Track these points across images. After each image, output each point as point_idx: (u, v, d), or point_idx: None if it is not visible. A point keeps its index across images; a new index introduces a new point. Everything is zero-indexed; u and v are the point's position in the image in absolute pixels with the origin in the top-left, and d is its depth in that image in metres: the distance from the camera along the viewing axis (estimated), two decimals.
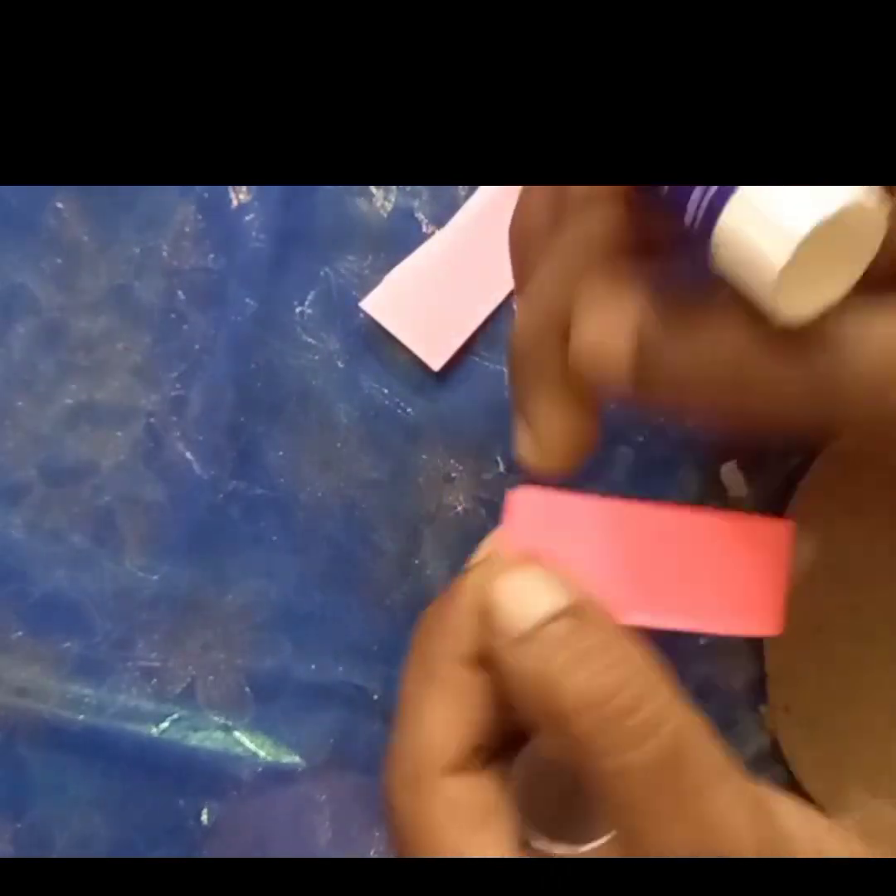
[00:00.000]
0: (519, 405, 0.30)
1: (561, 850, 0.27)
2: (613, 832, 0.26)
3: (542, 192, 0.30)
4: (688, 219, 0.24)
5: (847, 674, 0.37)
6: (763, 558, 0.29)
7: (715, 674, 0.40)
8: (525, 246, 0.31)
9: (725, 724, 0.40)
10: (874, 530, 0.37)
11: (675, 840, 0.24)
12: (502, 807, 0.27)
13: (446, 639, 0.27)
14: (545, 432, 0.29)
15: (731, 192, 0.23)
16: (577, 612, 0.26)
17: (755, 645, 0.40)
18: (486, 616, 0.26)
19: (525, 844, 0.27)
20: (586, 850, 0.27)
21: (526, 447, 0.29)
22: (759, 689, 0.40)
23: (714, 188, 0.24)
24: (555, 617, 0.26)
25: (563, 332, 0.28)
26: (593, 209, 0.28)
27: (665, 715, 0.25)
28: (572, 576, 0.27)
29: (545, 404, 0.29)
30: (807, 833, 0.26)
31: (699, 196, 0.24)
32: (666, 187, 0.25)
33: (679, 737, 0.25)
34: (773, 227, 0.23)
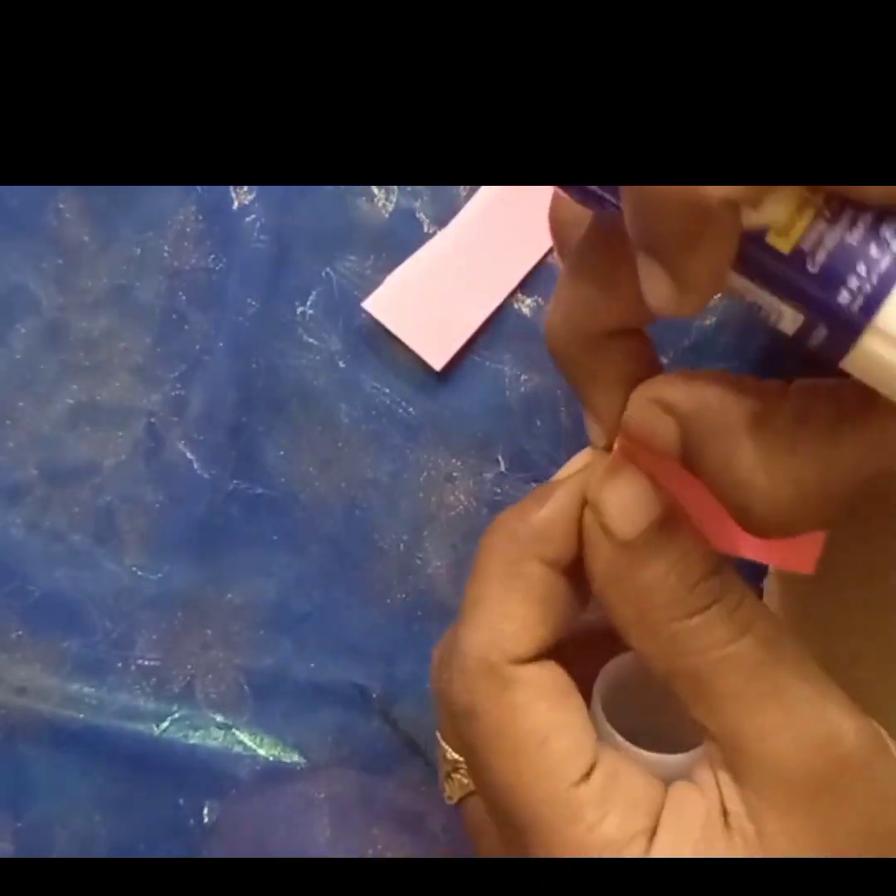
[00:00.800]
0: (580, 398, 0.30)
1: (652, 756, 0.28)
2: (700, 746, 0.27)
3: None
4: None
5: (850, 670, 0.37)
6: None
7: None
8: (561, 222, 0.31)
9: None
10: (874, 528, 0.37)
11: (770, 724, 0.26)
12: (571, 688, 0.28)
13: (535, 541, 0.28)
14: (608, 422, 0.29)
15: (851, 340, 0.23)
16: (671, 521, 0.27)
17: None
18: (592, 519, 0.28)
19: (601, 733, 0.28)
20: (680, 758, 0.28)
21: (596, 436, 0.30)
22: None
23: (824, 331, 0.23)
24: (657, 523, 0.27)
25: (602, 331, 0.28)
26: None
27: (755, 615, 0.26)
28: (665, 489, 0.28)
29: (606, 401, 0.29)
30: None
31: (804, 330, 0.24)
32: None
33: (770, 635, 0.26)
34: None
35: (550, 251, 0.40)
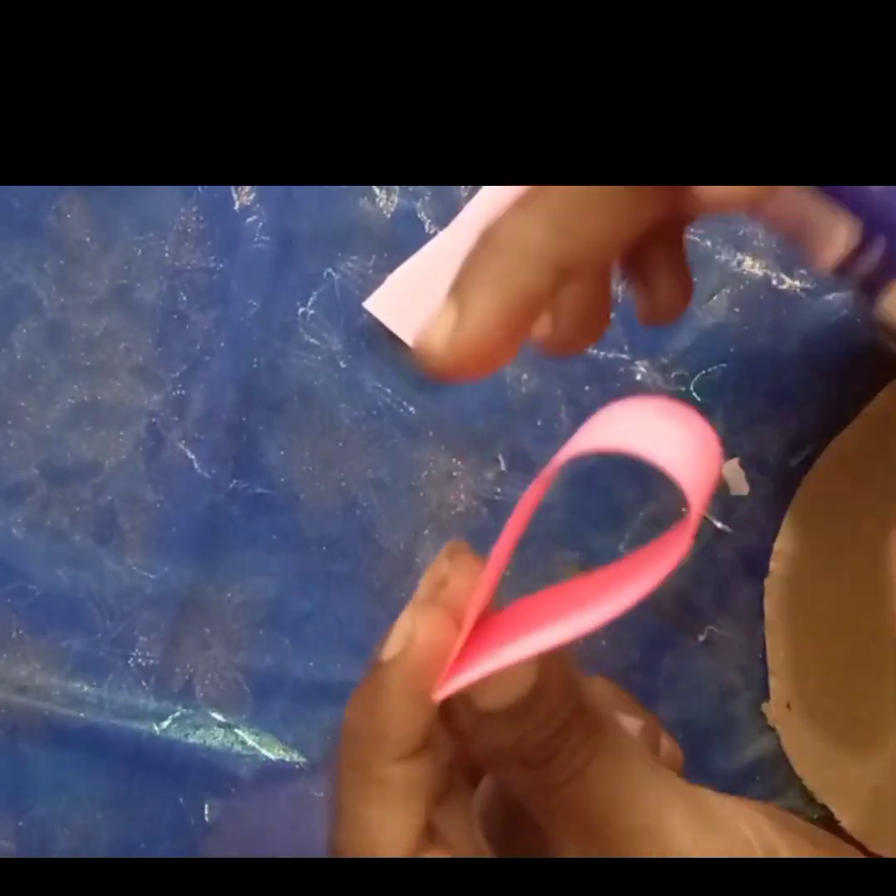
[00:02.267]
0: (463, 283, 0.28)
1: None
2: None
3: None
4: (833, 258, 0.23)
5: (849, 670, 0.37)
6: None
7: (716, 669, 0.40)
8: None
9: (727, 720, 0.40)
10: (875, 529, 0.37)
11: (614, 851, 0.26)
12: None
13: (377, 743, 0.27)
14: (471, 317, 0.27)
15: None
16: (541, 685, 0.26)
17: (758, 641, 0.40)
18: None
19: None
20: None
21: (443, 326, 0.28)
22: (761, 686, 0.40)
23: (884, 243, 0.22)
24: (527, 694, 0.26)
25: (552, 252, 0.27)
26: None
27: (596, 747, 0.26)
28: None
29: (488, 299, 0.27)
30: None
31: (861, 243, 0.22)
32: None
33: (613, 760, 0.26)
34: None
35: None
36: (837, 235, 0.23)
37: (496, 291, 0.27)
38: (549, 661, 0.26)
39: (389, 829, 0.27)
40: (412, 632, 0.26)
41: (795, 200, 0.23)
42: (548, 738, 0.26)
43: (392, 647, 0.26)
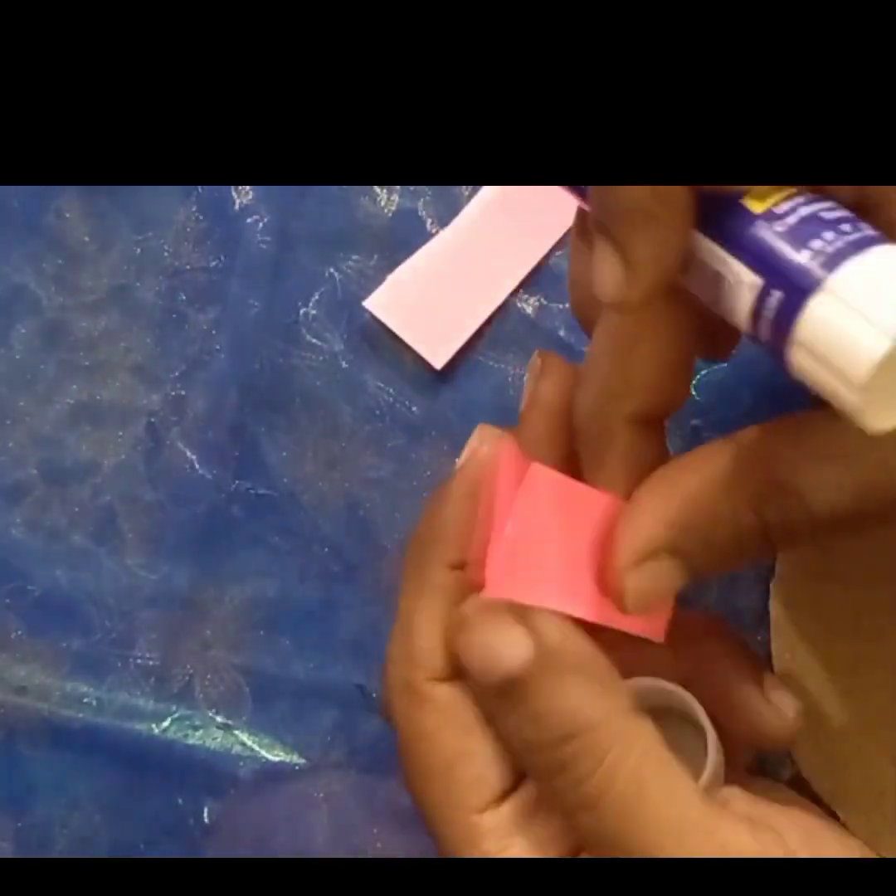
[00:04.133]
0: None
1: None
2: None
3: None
4: (744, 320, 0.23)
5: (853, 672, 0.37)
6: None
7: None
8: (583, 302, 0.30)
9: None
10: (882, 531, 0.37)
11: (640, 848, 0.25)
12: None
13: (436, 545, 0.28)
14: None
15: (805, 300, 0.22)
16: (538, 672, 0.26)
17: (759, 644, 0.40)
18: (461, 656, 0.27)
19: None
20: None
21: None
22: (773, 673, 0.40)
23: (779, 295, 0.23)
24: (510, 681, 0.25)
25: (622, 414, 0.28)
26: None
27: (607, 787, 0.25)
28: (542, 611, 0.27)
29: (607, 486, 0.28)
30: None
31: (754, 315, 0.23)
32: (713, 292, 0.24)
33: (624, 808, 0.25)
34: (839, 373, 0.22)
35: (553, 250, 0.41)
36: (744, 282, 0.23)
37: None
38: (555, 652, 0.25)
39: (431, 637, 0.27)
40: (477, 447, 0.29)
41: (707, 254, 0.24)
42: (548, 744, 0.25)
43: (461, 459, 0.29)
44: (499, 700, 0.26)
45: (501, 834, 0.26)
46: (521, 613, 0.26)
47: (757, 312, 0.23)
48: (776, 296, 0.23)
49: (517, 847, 0.26)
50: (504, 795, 0.27)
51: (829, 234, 0.23)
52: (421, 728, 0.27)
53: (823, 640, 0.37)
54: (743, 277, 0.23)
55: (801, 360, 0.23)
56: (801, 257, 0.22)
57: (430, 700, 0.27)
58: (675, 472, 0.26)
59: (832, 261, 0.22)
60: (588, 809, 0.25)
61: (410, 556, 0.29)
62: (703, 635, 0.30)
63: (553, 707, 0.25)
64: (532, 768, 0.26)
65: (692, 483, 0.26)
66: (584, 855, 0.27)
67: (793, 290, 0.22)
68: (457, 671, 0.27)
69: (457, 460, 0.29)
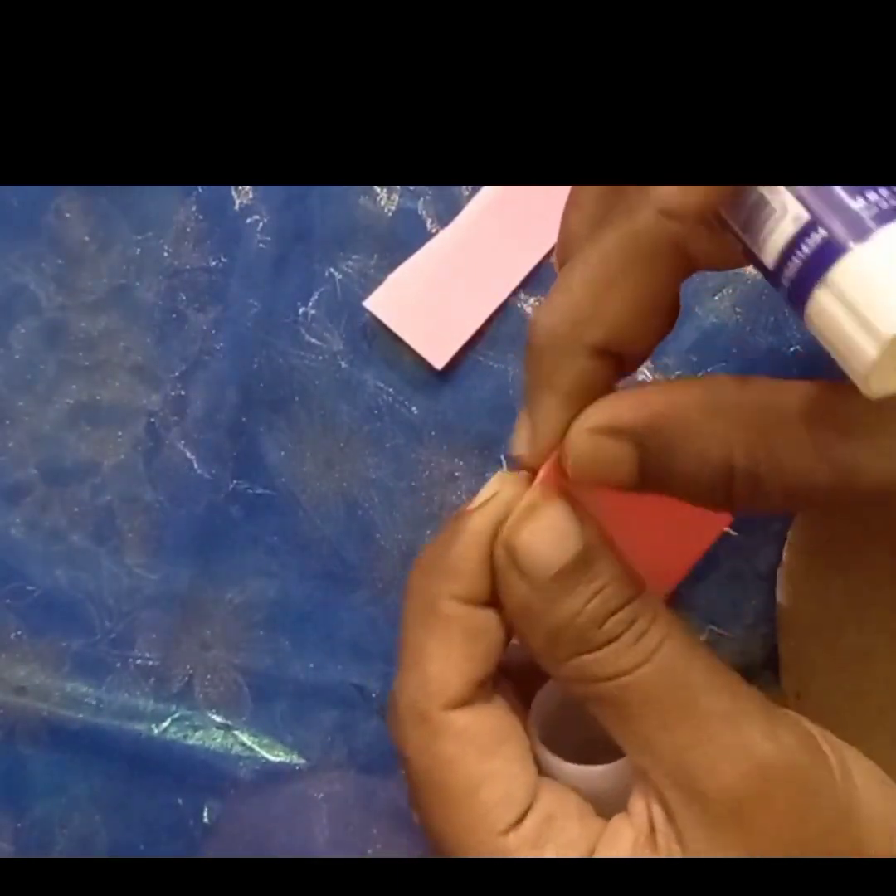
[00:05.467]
0: (528, 399, 0.29)
1: (575, 770, 0.28)
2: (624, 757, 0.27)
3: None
4: (775, 251, 0.23)
5: (859, 663, 0.37)
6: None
7: (725, 658, 0.40)
8: (569, 232, 0.30)
9: None
10: (889, 522, 0.37)
11: (680, 743, 0.26)
12: (511, 731, 0.28)
13: (448, 578, 0.28)
14: (542, 432, 0.28)
15: (850, 245, 0.22)
16: (588, 556, 0.27)
17: (758, 641, 0.40)
18: (507, 559, 0.27)
19: (538, 767, 0.28)
20: (601, 769, 0.28)
21: (521, 440, 0.29)
22: (761, 686, 0.40)
23: (823, 234, 0.22)
24: (573, 562, 0.27)
25: (583, 340, 0.27)
26: (641, 211, 0.27)
27: (663, 636, 0.26)
28: (583, 515, 0.28)
29: (550, 408, 0.28)
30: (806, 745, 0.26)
31: (790, 248, 0.23)
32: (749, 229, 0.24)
33: (678, 654, 0.26)
34: (866, 323, 0.22)
35: (552, 251, 0.40)
36: (788, 214, 0.23)
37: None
38: (604, 537, 0.27)
39: (443, 665, 0.27)
40: (498, 489, 0.29)
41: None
42: (608, 614, 0.26)
43: (478, 499, 0.29)
44: (561, 583, 0.27)
45: (528, 849, 0.26)
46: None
47: (793, 246, 0.23)
48: (820, 235, 0.23)
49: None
50: (524, 813, 0.27)
51: (885, 191, 0.22)
52: (440, 756, 0.27)
53: (829, 630, 0.37)
54: (789, 208, 0.23)
55: (825, 304, 0.22)
56: (856, 204, 0.22)
57: (448, 727, 0.27)
58: (673, 383, 0.27)
59: (885, 216, 0.22)
60: (652, 654, 0.26)
61: (417, 587, 0.29)
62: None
63: (615, 574, 0.27)
64: (594, 647, 0.26)
65: (684, 395, 0.26)
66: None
67: (840, 232, 0.22)
68: (471, 696, 0.27)
69: (472, 500, 0.29)
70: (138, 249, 0.42)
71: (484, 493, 0.29)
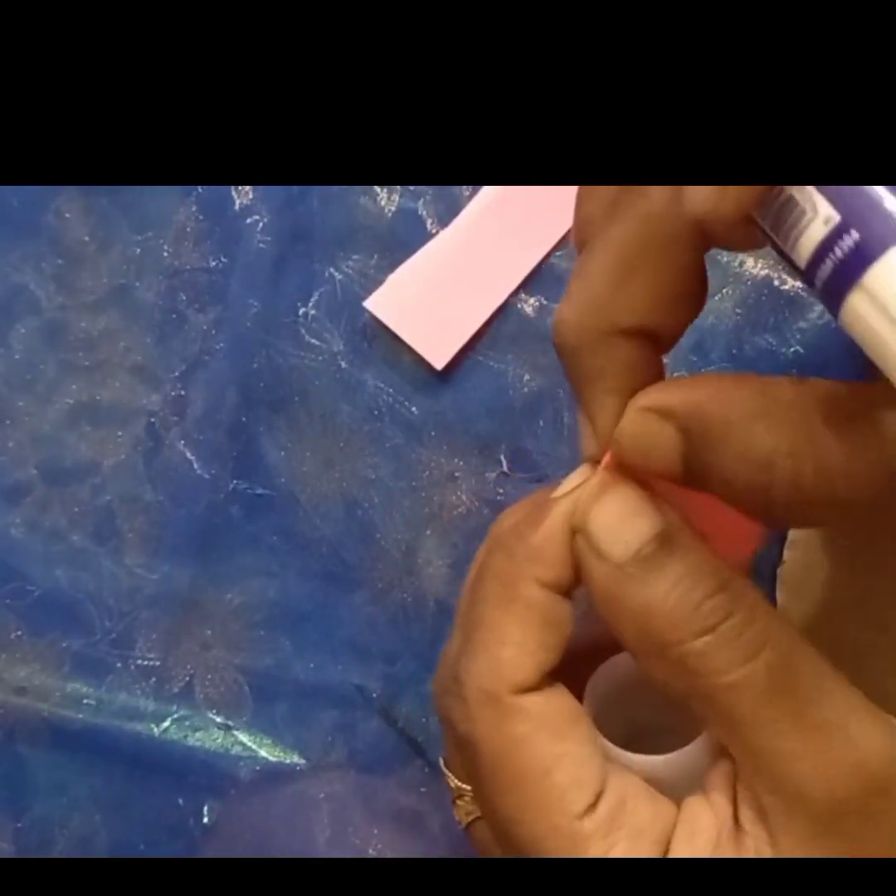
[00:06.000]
0: (579, 398, 0.29)
1: (637, 759, 0.28)
2: (697, 741, 0.27)
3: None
4: (806, 253, 0.23)
5: (859, 661, 0.37)
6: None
7: None
8: (584, 214, 0.29)
9: None
10: (891, 519, 0.37)
11: (788, 750, 0.25)
12: (580, 715, 0.27)
13: (531, 562, 0.27)
14: (601, 425, 0.28)
15: (886, 247, 0.22)
16: (671, 536, 0.26)
17: None
18: (584, 542, 0.27)
19: (603, 753, 0.28)
20: (664, 759, 0.28)
21: (586, 440, 0.28)
22: None
23: (856, 236, 0.22)
24: (654, 542, 0.26)
25: (614, 325, 0.27)
26: (654, 191, 0.26)
27: (769, 632, 0.25)
28: (663, 499, 0.27)
29: (602, 398, 0.28)
30: None
31: (822, 251, 0.22)
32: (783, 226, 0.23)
33: (786, 652, 0.25)
34: None
35: (553, 251, 0.40)
36: (819, 216, 0.23)
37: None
38: (684, 520, 0.26)
39: (519, 650, 0.27)
40: (586, 477, 0.28)
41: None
42: (701, 599, 0.25)
43: (564, 487, 0.28)
44: (646, 566, 0.26)
45: (603, 834, 0.26)
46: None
47: (825, 249, 0.23)
48: (852, 236, 0.22)
49: (621, 845, 0.25)
50: (598, 797, 0.26)
51: None
52: (512, 737, 0.26)
53: (832, 627, 0.37)
54: (820, 209, 0.23)
55: (861, 309, 0.22)
56: (889, 206, 0.22)
57: (521, 710, 0.27)
58: (731, 375, 0.26)
59: None
60: (758, 653, 0.25)
61: (495, 566, 0.28)
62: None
63: (702, 559, 0.26)
64: (692, 635, 0.25)
65: (736, 387, 0.25)
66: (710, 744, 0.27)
67: (874, 234, 0.22)
68: (540, 684, 0.27)
69: (558, 487, 0.28)
70: (138, 249, 0.42)
71: (571, 480, 0.28)
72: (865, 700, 0.26)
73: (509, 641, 0.27)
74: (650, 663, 0.26)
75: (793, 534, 0.39)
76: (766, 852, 0.25)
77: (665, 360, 0.41)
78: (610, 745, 0.28)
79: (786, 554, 0.39)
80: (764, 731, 0.25)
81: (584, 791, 0.26)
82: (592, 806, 0.26)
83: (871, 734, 0.25)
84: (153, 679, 0.41)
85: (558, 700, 0.27)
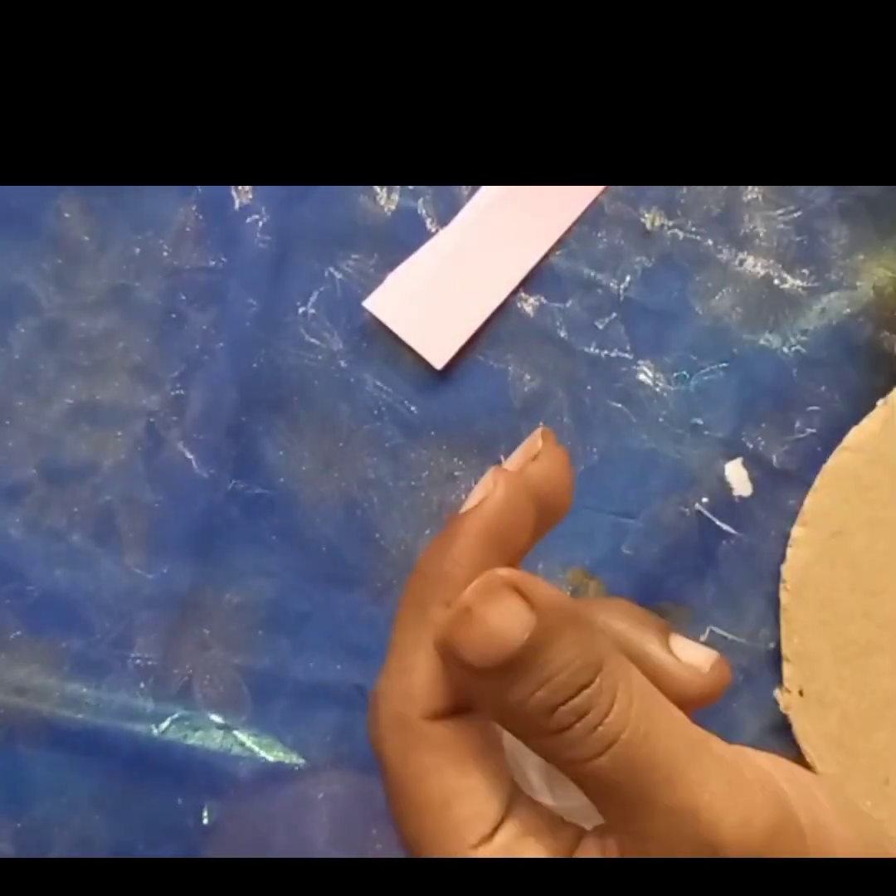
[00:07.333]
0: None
1: (549, 802, 0.28)
2: None
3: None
4: None
5: (862, 658, 0.37)
6: None
7: (727, 653, 0.40)
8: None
9: (729, 720, 0.40)
10: (893, 517, 0.37)
11: (639, 830, 0.25)
12: (490, 746, 0.27)
13: (440, 584, 0.27)
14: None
15: None
16: (533, 647, 0.25)
17: (759, 642, 0.40)
18: (442, 651, 0.27)
19: (516, 788, 0.28)
20: (575, 805, 0.28)
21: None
22: (761, 686, 0.40)
23: None
24: (508, 659, 0.25)
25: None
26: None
27: (624, 722, 0.25)
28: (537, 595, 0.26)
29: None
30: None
31: None
32: None
33: (640, 738, 0.25)
34: None
35: (553, 250, 0.41)
36: None
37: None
38: (552, 609, 0.25)
39: (430, 676, 0.27)
40: (493, 489, 0.28)
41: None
42: (563, 701, 0.25)
43: (472, 500, 0.28)
44: (506, 675, 0.25)
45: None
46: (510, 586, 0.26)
47: None
48: None
49: None
50: (496, 828, 0.27)
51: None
52: (417, 766, 0.27)
53: (832, 625, 0.37)
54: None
55: None
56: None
57: (428, 738, 0.27)
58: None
59: None
60: (607, 748, 0.25)
61: (412, 591, 0.28)
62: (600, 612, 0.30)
63: (566, 659, 0.25)
64: (544, 734, 0.25)
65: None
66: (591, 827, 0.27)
67: None
68: (454, 708, 0.27)
69: (465, 500, 0.28)
70: (138, 249, 0.42)
71: (477, 492, 0.28)
72: (724, 766, 0.26)
73: (422, 667, 0.27)
74: (514, 737, 0.27)
75: (795, 532, 0.39)
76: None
77: (666, 359, 0.41)
78: (527, 771, 0.28)
79: (790, 551, 0.39)
80: (616, 813, 0.26)
81: (481, 824, 0.26)
82: (488, 837, 0.26)
83: (724, 813, 0.25)
84: (152, 679, 0.41)
85: (470, 730, 0.27)
